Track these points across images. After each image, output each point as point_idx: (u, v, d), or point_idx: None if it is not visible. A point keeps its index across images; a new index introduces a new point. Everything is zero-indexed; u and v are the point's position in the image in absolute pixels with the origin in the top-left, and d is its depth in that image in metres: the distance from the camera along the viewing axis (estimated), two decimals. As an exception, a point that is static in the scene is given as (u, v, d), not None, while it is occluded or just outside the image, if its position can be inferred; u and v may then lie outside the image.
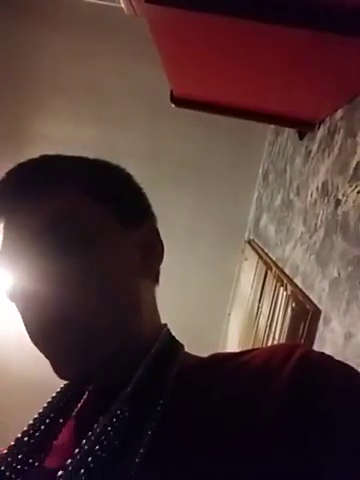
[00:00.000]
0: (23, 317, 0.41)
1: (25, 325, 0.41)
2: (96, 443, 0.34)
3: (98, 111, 1.97)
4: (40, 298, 0.38)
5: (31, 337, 0.41)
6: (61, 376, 0.41)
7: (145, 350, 0.43)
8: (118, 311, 0.42)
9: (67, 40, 1.92)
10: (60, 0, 1.88)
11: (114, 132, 1.96)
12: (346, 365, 0.39)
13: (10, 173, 0.44)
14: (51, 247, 0.39)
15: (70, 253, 0.39)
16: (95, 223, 0.42)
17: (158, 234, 0.49)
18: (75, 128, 1.95)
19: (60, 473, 0.33)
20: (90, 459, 0.33)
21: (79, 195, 0.42)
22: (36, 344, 0.40)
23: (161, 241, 0.49)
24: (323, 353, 0.41)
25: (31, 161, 0.44)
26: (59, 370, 0.40)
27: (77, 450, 0.34)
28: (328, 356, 0.40)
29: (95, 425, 0.36)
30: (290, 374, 0.37)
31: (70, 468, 0.33)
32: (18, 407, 1.91)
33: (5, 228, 0.41)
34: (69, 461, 0.33)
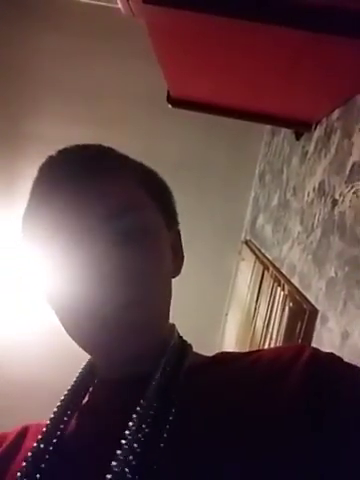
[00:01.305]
0: (72, 302, 0.39)
1: (72, 311, 0.40)
2: (133, 442, 0.34)
3: (95, 111, 1.97)
4: (101, 279, 0.37)
5: (81, 322, 0.39)
6: (113, 358, 0.40)
7: (163, 347, 0.43)
8: (167, 300, 0.44)
9: (64, 40, 1.91)
10: (56, 0, 1.88)
11: (110, 132, 1.95)
12: (355, 366, 0.40)
13: (68, 153, 0.42)
14: (117, 234, 0.39)
15: (132, 240, 0.40)
16: (151, 217, 0.43)
17: (181, 239, 0.51)
18: (72, 128, 1.95)
19: (109, 477, 0.33)
20: (131, 457, 0.33)
21: (137, 188, 0.43)
22: (87, 329, 0.39)
23: (182, 247, 0.51)
24: (332, 353, 0.41)
25: (89, 146, 0.44)
26: (113, 352, 0.39)
27: (120, 452, 0.34)
28: (337, 356, 0.41)
29: (130, 423, 0.36)
30: (301, 372, 0.37)
31: (116, 469, 0.33)
32: (17, 408, 1.90)
33: (67, 211, 0.39)
34: (114, 464, 0.33)
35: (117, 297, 0.38)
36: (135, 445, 0.34)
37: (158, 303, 0.42)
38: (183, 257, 0.51)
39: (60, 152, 0.42)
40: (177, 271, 0.50)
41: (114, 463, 0.33)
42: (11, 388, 2.00)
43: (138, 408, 0.37)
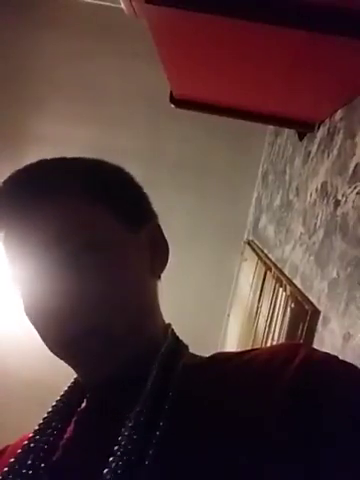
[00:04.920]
0: (40, 328, 0.41)
1: (43, 337, 0.41)
2: (125, 449, 0.35)
3: (97, 111, 1.97)
4: (55, 308, 0.38)
5: (52, 349, 0.42)
6: (90, 381, 0.42)
7: (155, 349, 0.43)
8: (135, 312, 0.43)
9: (67, 40, 1.92)
10: (59, 0, 1.88)
11: (113, 133, 1.96)
12: (351, 365, 0.39)
13: (9, 182, 0.43)
14: (61, 258, 0.39)
15: (81, 262, 0.39)
16: (100, 230, 0.42)
17: (161, 231, 0.49)
18: (74, 129, 1.95)
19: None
20: (121, 465, 0.34)
21: (82, 202, 0.42)
22: (59, 355, 0.42)
23: (165, 238, 0.49)
24: (327, 353, 0.41)
25: (30, 168, 0.43)
26: (89, 376, 0.41)
27: (112, 458, 0.34)
28: (332, 356, 0.40)
29: (123, 429, 0.36)
30: (293, 374, 0.37)
31: (108, 477, 0.33)
32: (17, 407, 1.91)
33: (11, 239, 0.40)
34: (106, 471, 0.34)
35: (76, 325, 0.39)
36: (120, 462, 0.34)
37: (121, 317, 0.41)
38: (166, 251, 0.49)
39: (5, 181, 0.43)
40: (157, 268, 0.48)
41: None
42: (11, 387, 2.00)
43: (139, 415, 0.37)
